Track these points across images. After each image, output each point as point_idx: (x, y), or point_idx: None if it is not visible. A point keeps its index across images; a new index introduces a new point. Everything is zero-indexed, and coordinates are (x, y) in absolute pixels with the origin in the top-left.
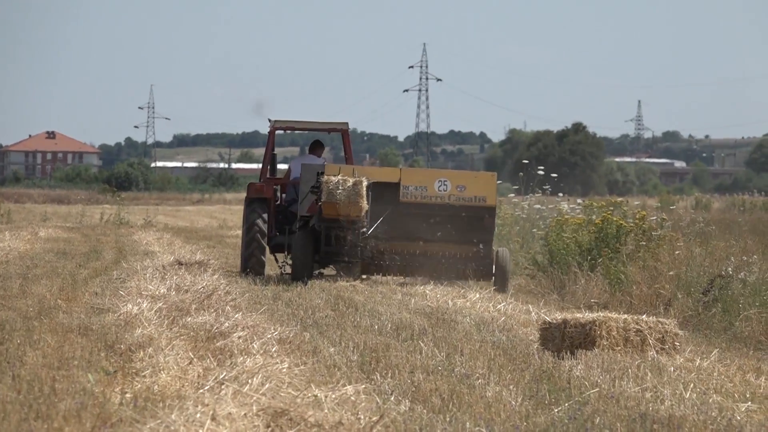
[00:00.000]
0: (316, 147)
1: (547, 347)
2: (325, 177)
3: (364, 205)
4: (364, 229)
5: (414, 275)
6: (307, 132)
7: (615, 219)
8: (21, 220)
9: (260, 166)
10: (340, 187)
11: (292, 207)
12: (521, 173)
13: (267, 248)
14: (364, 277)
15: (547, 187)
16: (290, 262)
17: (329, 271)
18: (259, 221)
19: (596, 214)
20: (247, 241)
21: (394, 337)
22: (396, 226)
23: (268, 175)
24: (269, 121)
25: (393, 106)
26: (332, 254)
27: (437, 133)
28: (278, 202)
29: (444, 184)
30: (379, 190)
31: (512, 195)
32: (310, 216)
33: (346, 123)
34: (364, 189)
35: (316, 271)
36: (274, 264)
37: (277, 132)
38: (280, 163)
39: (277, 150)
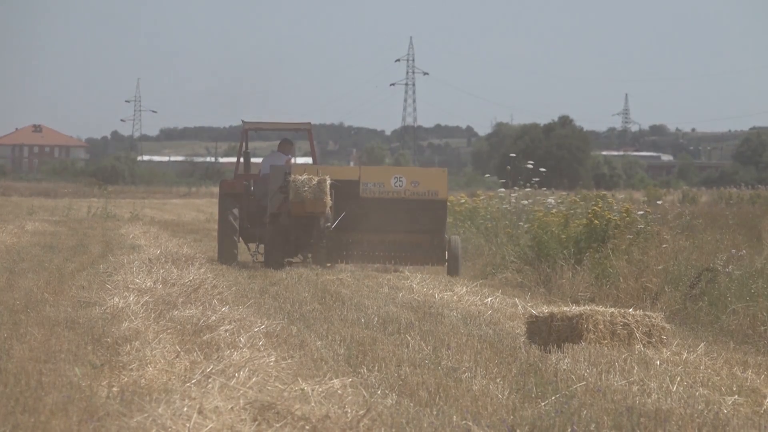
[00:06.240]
0: (284, 144)
1: (534, 341)
2: (293, 176)
3: (328, 201)
4: (329, 224)
5: (374, 263)
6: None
7: (606, 213)
8: (7, 214)
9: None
10: (306, 186)
11: (263, 200)
12: (509, 167)
13: (239, 240)
14: (329, 264)
15: (536, 180)
16: (262, 251)
17: (296, 259)
18: (230, 217)
19: (581, 208)
20: (220, 234)
21: (380, 330)
22: (357, 218)
23: (243, 171)
24: (242, 122)
25: (380, 99)
26: (300, 246)
27: (424, 126)
28: (252, 195)
29: (400, 180)
30: (341, 187)
31: (501, 189)
32: (279, 213)
33: (309, 123)
34: (328, 186)
35: (286, 260)
36: (247, 253)
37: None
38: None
39: (264, 144)
